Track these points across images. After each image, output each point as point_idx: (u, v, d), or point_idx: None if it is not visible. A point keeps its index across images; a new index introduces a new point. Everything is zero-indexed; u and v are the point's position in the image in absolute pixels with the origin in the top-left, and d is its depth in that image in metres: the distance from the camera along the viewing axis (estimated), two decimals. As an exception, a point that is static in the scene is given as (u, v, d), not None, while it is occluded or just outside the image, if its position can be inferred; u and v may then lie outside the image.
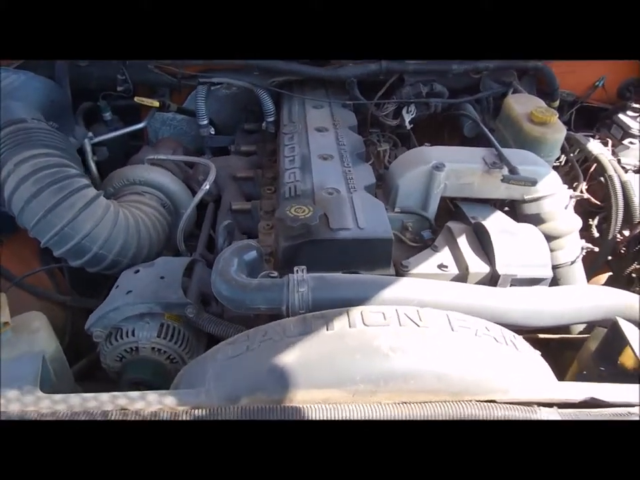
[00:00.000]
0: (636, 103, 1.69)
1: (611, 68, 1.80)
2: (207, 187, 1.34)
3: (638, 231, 1.36)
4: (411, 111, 1.69)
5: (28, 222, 1.15)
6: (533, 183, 1.19)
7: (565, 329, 1.24)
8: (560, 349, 1.29)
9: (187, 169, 1.63)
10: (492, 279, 1.11)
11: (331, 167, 1.31)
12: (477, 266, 1.12)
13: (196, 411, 0.74)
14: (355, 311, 0.86)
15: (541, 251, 1.13)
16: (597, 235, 1.50)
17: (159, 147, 1.73)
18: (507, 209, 1.38)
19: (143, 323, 1.08)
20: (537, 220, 1.30)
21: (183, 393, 0.80)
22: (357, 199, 1.18)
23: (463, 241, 1.18)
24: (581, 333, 1.26)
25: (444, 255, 1.17)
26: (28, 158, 1.16)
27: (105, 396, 0.78)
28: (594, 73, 1.80)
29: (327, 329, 0.83)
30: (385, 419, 0.73)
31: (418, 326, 0.84)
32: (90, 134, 1.65)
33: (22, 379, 0.82)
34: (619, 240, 1.41)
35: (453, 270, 1.13)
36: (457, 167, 1.25)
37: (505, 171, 1.24)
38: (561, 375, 0.93)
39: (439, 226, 1.30)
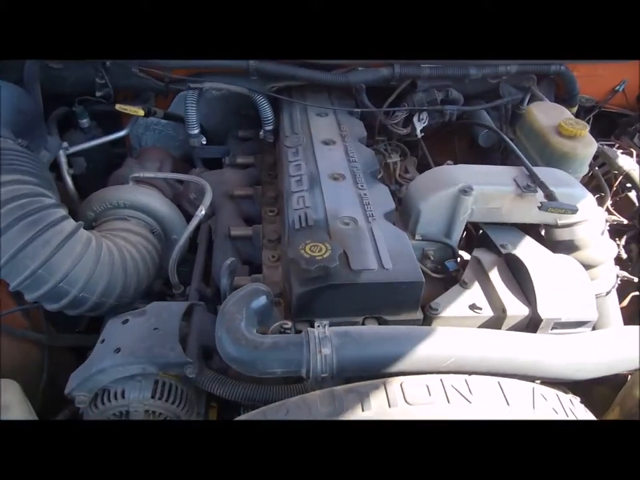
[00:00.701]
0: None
1: (631, 71, 1.68)
2: (203, 212, 1.19)
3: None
4: (422, 119, 1.55)
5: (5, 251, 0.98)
6: (575, 211, 1.06)
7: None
8: (589, 384, 1.19)
9: (177, 186, 1.46)
10: (531, 322, 0.99)
11: (344, 188, 1.17)
12: (515, 308, 0.99)
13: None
14: (394, 385, 0.72)
15: (584, 289, 1.01)
16: (624, 256, 1.39)
17: (144, 158, 1.55)
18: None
19: (134, 382, 0.92)
20: (570, 247, 1.18)
21: None
22: (377, 231, 1.03)
23: (495, 276, 1.06)
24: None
25: (475, 293, 1.04)
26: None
27: None
28: (614, 76, 1.68)
29: (362, 409, 0.70)
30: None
31: (469, 402, 0.71)
32: (65, 144, 1.47)
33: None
34: (652, 264, 1.31)
35: (488, 312, 1.00)
36: (487, 190, 1.12)
37: (540, 194, 1.11)
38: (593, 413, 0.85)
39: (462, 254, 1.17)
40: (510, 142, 1.27)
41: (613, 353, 0.91)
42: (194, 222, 1.18)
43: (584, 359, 0.88)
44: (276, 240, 1.21)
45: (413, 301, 0.96)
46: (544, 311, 0.96)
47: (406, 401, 0.70)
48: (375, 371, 0.80)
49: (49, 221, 1.00)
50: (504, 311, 0.99)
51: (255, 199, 1.40)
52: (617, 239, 1.41)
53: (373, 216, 1.09)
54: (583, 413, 0.77)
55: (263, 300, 0.91)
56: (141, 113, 1.43)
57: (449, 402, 0.70)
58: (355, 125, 1.46)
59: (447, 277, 1.13)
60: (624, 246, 1.40)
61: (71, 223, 1.05)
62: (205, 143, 1.57)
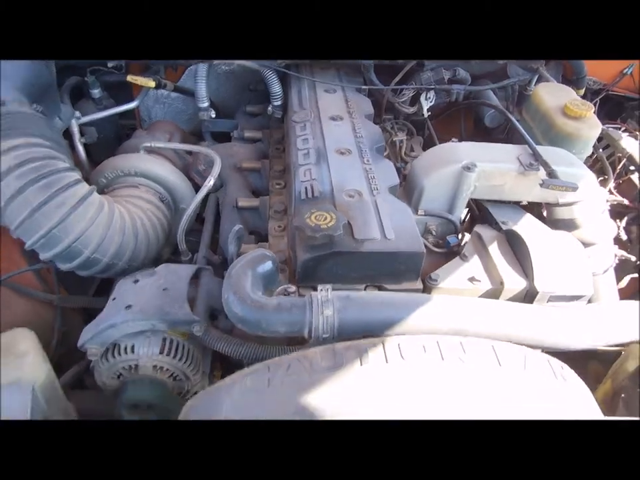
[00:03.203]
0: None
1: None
2: (212, 182, 1.22)
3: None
4: (429, 98, 1.56)
5: (11, 221, 1.01)
6: (575, 188, 1.08)
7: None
8: (583, 358, 1.23)
9: (186, 157, 1.49)
10: (528, 295, 1.02)
11: (350, 163, 1.19)
12: (513, 281, 1.02)
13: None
14: (392, 342, 0.76)
15: (581, 265, 1.03)
16: (625, 237, 1.41)
17: (154, 130, 1.58)
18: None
19: (144, 338, 0.97)
20: (570, 225, 1.20)
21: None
22: (381, 203, 1.06)
23: (494, 250, 1.09)
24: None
25: (474, 265, 1.07)
26: (10, 149, 1.01)
27: None
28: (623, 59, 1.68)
29: (361, 364, 0.73)
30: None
31: (462, 360, 0.74)
32: (77, 113, 1.49)
33: (12, 411, 0.72)
34: (651, 246, 1.33)
35: (486, 284, 1.03)
36: (490, 168, 1.14)
37: (542, 172, 1.13)
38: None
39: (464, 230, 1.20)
40: (515, 121, 1.29)
41: (607, 325, 0.94)
42: (203, 191, 1.21)
43: (578, 329, 0.91)
44: (282, 211, 1.24)
45: (413, 270, 0.99)
46: (540, 284, 0.99)
47: (402, 357, 0.73)
48: (374, 334, 0.84)
49: (63, 184, 1.03)
50: (502, 283, 1.02)
51: (263, 172, 1.42)
52: (617, 220, 1.43)
53: (377, 189, 1.11)
54: (573, 377, 0.80)
55: (268, 265, 0.94)
56: (152, 84, 1.46)
57: (442, 359, 0.73)
58: (362, 102, 1.47)
59: (448, 252, 1.16)
60: (624, 227, 1.42)
61: (84, 187, 1.08)
62: (214, 116, 1.60)
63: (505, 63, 1.59)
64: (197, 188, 1.34)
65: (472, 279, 1.03)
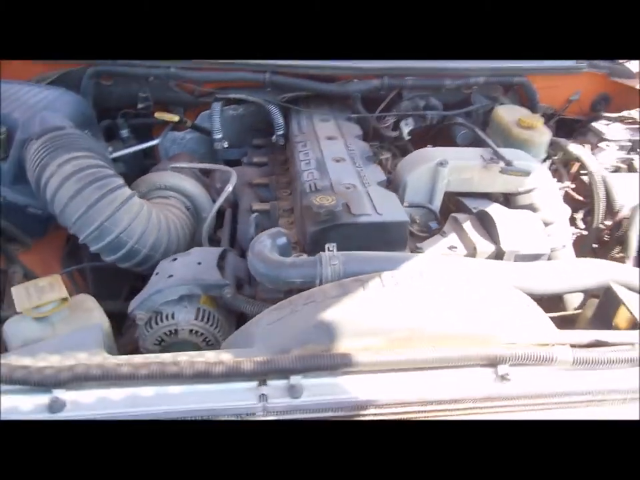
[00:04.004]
0: (606, 114, 1.89)
1: (583, 83, 2.00)
2: (230, 188, 1.46)
3: (618, 218, 1.51)
4: (408, 123, 1.85)
5: (70, 218, 1.23)
6: (527, 173, 1.34)
7: (563, 306, 1.36)
8: (559, 325, 1.41)
9: (204, 178, 1.74)
10: (497, 257, 1.23)
11: (345, 167, 1.44)
12: (484, 245, 1.24)
13: (251, 362, 0.82)
14: (386, 274, 0.97)
15: (538, 230, 1.26)
16: (582, 226, 1.65)
17: (176, 159, 1.84)
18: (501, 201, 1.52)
19: (181, 306, 1.16)
20: (530, 209, 1.44)
21: (238, 351, 0.88)
22: (372, 191, 1.30)
23: (468, 226, 1.31)
24: (577, 309, 1.38)
25: (452, 239, 1.30)
26: (70, 159, 1.26)
27: (166, 355, 0.86)
28: (569, 87, 2.00)
29: (363, 289, 0.94)
30: (421, 358, 0.84)
31: (441, 281, 0.95)
32: (110, 148, 1.76)
33: (87, 345, 0.90)
34: (602, 228, 1.56)
35: (462, 250, 1.25)
36: (459, 163, 1.40)
37: (502, 165, 1.39)
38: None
39: (443, 221, 1.43)
40: (478, 130, 1.56)
41: (571, 275, 1.14)
42: (223, 195, 1.45)
43: (546, 278, 1.11)
44: (290, 209, 1.48)
45: (401, 239, 1.21)
46: (506, 245, 1.21)
47: (396, 283, 0.94)
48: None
49: (113, 186, 1.27)
50: (474, 248, 1.24)
51: (271, 186, 1.67)
52: (574, 214, 1.67)
53: (368, 183, 1.36)
54: (535, 308, 1.00)
55: (284, 239, 1.16)
56: (176, 118, 1.73)
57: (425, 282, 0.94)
58: (351, 127, 1.75)
59: (430, 235, 1.39)
60: (582, 219, 1.66)
61: (128, 190, 1.32)
62: (226, 146, 1.87)
63: (469, 93, 1.90)
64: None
65: (450, 247, 1.26)
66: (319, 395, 0.81)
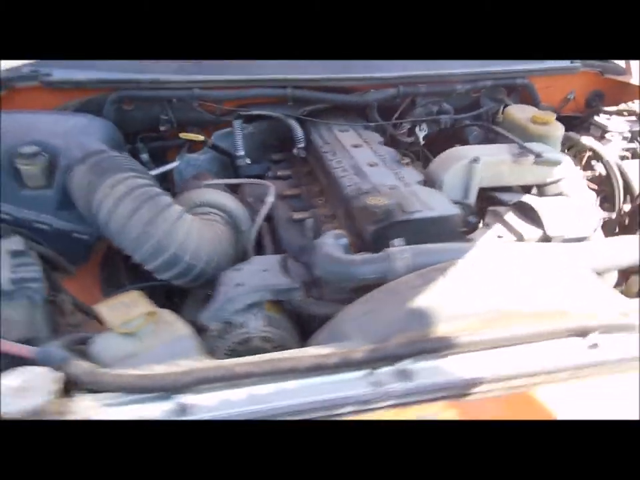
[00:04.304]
0: (606, 108, 2.01)
1: (578, 82, 2.13)
2: (272, 200, 1.48)
3: (637, 203, 1.61)
4: (423, 129, 1.93)
5: (127, 237, 1.23)
6: (559, 162, 1.42)
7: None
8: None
9: (233, 194, 1.75)
10: (543, 241, 1.30)
11: (381, 171, 1.49)
12: (530, 233, 1.31)
13: (361, 352, 0.84)
14: (462, 262, 1.01)
15: (577, 215, 1.34)
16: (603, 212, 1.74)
17: (199, 179, 1.85)
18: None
19: (250, 314, 1.17)
20: (559, 198, 1.52)
21: (339, 345, 0.90)
22: (417, 190, 1.35)
23: (510, 217, 1.38)
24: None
25: (497, 229, 1.35)
26: (121, 180, 1.26)
27: (266, 356, 0.88)
28: (565, 87, 2.13)
29: (444, 277, 0.98)
30: (516, 335, 0.88)
31: (515, 264, 1.00)
32: (133, 172, 1.76)
33: (186, 354, 0.90)
34: (623, 214, 1.65)
35: (510, 239, 1.31)
36: (491, 159, 1.47)
37: (530, 159, 1.47)
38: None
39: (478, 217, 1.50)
40: (498, 129, 1.65)
41: (614, 252, 1.21)
42: (266, 208, 1.47)
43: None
44: (330, 215, 1.51)
45: (454, 232, 1.26)
46: (551, 231, 1.28)
47: (472, 270, 0.98)
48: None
49: (165, 203, 1.28)
50: (521, 236, 1.30)
51: (302, 196, 1.70)
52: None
53: (409, 184, 1.41)
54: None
55: (344, 240, 1.20)
56: (201, 137, 1.75)
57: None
58: (372, 135, 1.81)
59: (471, 230, 1.45)
60: (599, 206, 1.75)
61: (178, 207, 1.32)
62: (249, 162, 1.89)
63: (477, 96, 1.99)
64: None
65: (498, 237, 1.31)
66: (429, 377, 0.84)
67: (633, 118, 1.94)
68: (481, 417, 0.79)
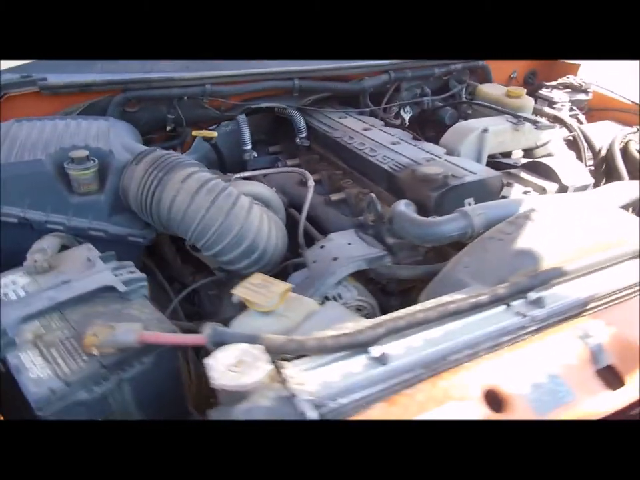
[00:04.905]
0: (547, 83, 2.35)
1: (517, 64, 2.45)
2: (312, 183, 1.55)
3: (600, 157, 1.92)
4: (407, 111, 2.10)
5: (207, 230, 1.23)
6: (553, 126, 1.67)
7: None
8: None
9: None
10: (561, 191, 1.53)
11: (407, 147, 1.63)
12: (549, 186, 1.53)
13: (504, 288, 0.96)
14: (536, 211, 1.18)
15: (578, 167, 1.60)
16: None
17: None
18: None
19: (342, 287, 1.24)
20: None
21: (466, 290, 1.02)
22: (451, 159, 1.51)
23: (526, 176, 1.60)
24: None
25: (520, 188, 1.56)
26: (190, 174, 1.25)
27: (429, 303, 0.96)
28: (509, 68, 2.44)
29: (533, 223, 1.14)
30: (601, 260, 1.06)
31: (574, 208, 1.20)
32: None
33: (344, 318, 0.96)
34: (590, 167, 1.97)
35: (534, 193, 1.53)
36: (497, 128, 1.68)
37: (525, 126, 1.70)
38: None
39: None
40: (492, 105, 1.87)
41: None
42: (311, 191, 1.52)
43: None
44: (366, 192, 1.60)
45: (497, 191, 1.44)
46: (566, 181, 1.52)
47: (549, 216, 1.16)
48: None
49: (235, 194, 1.29)
50: (544, 189, 1.52)
51: (323, 181, 1.77)
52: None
53: (440, 156, 1.56)
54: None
55: (413, 207, 1.31)
56: (214, 134, 1.73)
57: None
58: (372, 119, 1.94)
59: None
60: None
61: (244, 196, 1.33)
62: (256, 155, 1.91)
63: (447, 79, 2.21)
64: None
65: (525, 192, 1.52)
66: (556, 302, 0.99)
67: (569, 90, 2.29)
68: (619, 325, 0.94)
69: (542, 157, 1.78)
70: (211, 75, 1.70)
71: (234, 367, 0.76)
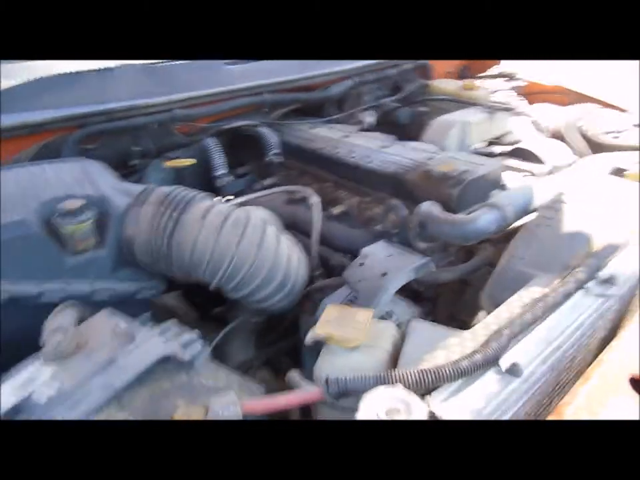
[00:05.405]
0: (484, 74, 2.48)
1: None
2: (317, 200, 1.46)
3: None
4: (371, 114, 2.08)
5: (240, 268, 1.09)
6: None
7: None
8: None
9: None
10: (552, 172, 1.60)
11: (398, 149, 1.60)
12: (538, 168, 1.59)
13: (581, 272, 0.96)
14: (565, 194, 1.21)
15: (557, 147, 1.68)
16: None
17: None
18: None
19: (391, 302, 1.17)
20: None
21: (536, 281, 1.01)
22: (450, 155, 1.51)
23: (513, 162, 1.65)
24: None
25: (514, 174, 1.60)
26: (208, 208, 1.10)
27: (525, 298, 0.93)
28: (443, 65, 2.53)
29: (568, 204, 1.17)
30: None
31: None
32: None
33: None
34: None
35: (529, 175, 1.58)
36: (476, 119, 1.72)
37: (502, 114, 1.76)
38: None
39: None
40: (462, 99, 1.91)
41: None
42: (317, 209, 1.43)
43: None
44: (368, 201, 1.54)
45: (500, 182, 1.46)
46: (553, 162, 1.59)
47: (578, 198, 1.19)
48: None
49: (260, 222, 1.16)
50: (532, 173, 1.58)
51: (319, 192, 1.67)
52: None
53: (437, 153, 1.55)
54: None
55: (440, 207, 1.28)
56: (193, 160, 1.57)
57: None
58: (344, 126, 1.88)
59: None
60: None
61: (269, 226, 1.20)
62: (232, 179, 1.77)
63: (397, 79, 2.23)
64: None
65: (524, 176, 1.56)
66: (624, 277, 1.00)
67: (504, 78, 2.43)
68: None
69: (512, 143, 1.86)
70: (178, 99, 1.54)
71: (387, 417, 0.66)
